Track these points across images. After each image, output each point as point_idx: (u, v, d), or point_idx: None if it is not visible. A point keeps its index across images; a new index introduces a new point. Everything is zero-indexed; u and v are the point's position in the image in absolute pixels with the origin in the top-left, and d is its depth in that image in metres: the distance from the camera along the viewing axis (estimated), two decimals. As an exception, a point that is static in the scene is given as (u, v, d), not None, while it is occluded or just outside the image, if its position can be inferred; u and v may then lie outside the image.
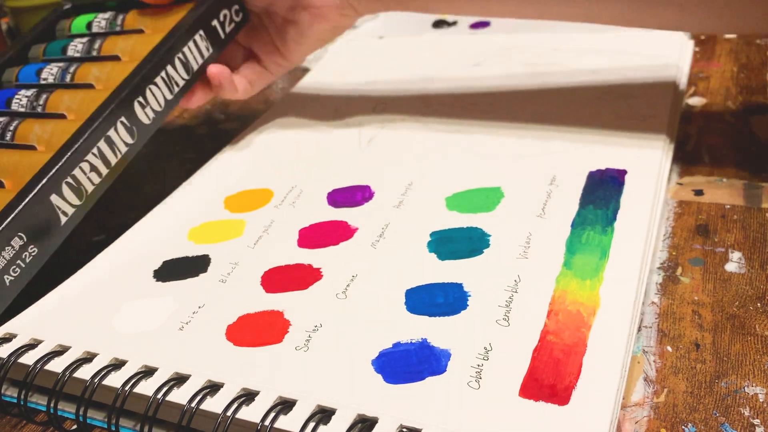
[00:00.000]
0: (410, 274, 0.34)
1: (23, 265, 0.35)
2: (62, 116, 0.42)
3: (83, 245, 0.42)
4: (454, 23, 0.70)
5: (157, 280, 0.36)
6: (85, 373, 0.30)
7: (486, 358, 0.28)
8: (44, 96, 0.44)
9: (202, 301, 0.34)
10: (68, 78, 0.46)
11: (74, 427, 0.30)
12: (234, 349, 0.31)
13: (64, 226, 0.37)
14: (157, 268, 0.38)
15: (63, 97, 0.44)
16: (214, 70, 0.46)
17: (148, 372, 0.30)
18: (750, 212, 0.38)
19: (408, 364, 0.29)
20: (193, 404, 0.28)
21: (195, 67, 0.46)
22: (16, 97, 0.45)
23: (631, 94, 0.48)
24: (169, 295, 0.35)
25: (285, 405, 0.27)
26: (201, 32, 0.46)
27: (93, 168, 0.39)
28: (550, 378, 0.27)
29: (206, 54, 0.46)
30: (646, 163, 0.40)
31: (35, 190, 0.36)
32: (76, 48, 0.48)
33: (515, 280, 0.32)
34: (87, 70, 0.45)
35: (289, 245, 0.38)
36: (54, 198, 0.37)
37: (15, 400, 0.31)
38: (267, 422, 0.27)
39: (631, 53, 0.53)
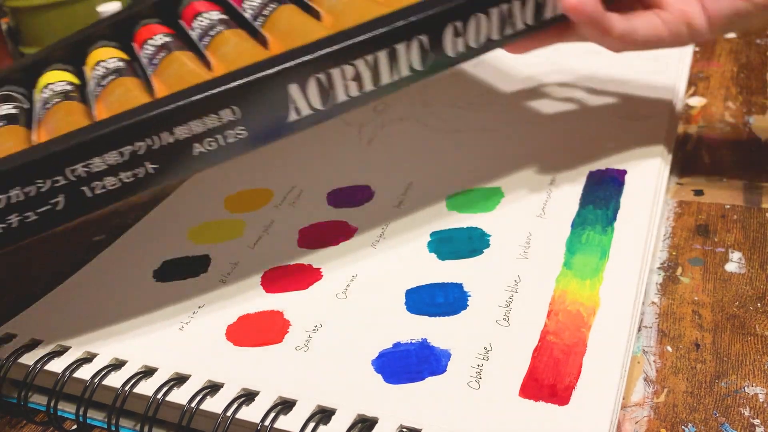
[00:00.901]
0: (410, 274, 0.34)
1: (222, 144, 0.29)
2: None
3: (83, 245, 0.42)
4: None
5: (157, 280, 0.36)
6: (85, 373, 0.30)
7: (486, 358, 0.28)
8: None
9: (202, 301, 0.34)
10: None
11: (74, 427, 0.30)
12: (234, 349, 0.31)
13: (289, 123, 0.30)
14: (157, 268, 0.37)
15: None
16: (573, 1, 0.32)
17: (148, 372, 0.30)
18: (750, 212, 0.38)
19: (408, 364, 0.29)
20: (193, 404, 0.28)
21: (548, 14, 0.33)
22: None
23: (630, 94, 0.48)
24: (169, 295, 0.35)
25: (285, 405, 0.27)
26: None
27: (356, 77, 0.30)
28: (550, 378, 0.27)
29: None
30: (646, 163, 0.40)
31: (278, 67, 0.29)
32: None
33: (515, 280, 0.32)
34: None
35: (289, 245, 0.38)
36: (293, 87, 0.30)
37: (15, 400, 0.31)
38: (267, 422, 0.27)
39: (631, 53, 0.53)
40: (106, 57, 0.39)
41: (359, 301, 0.33)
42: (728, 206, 0.39)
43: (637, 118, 0.45)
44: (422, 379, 0.28)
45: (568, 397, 0.26)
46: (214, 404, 0.28)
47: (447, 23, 0.31)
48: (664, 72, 0.50)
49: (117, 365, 0.30)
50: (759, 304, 0.32)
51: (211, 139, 0.29)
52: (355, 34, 0.30)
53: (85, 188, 0.28)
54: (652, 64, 0.51)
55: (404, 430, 0.26)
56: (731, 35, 0.59)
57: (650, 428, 0.27)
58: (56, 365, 0.31)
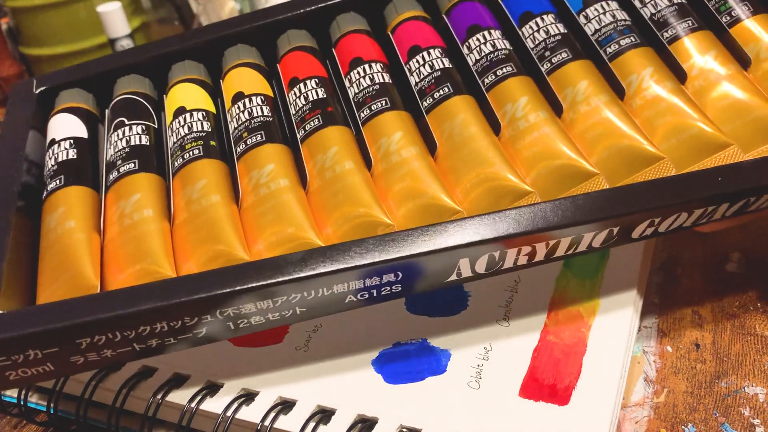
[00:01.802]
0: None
1: (374, 296, 0.27)
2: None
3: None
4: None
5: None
6: (84, 374, 0.30)
7: (486, 358, 0.28)
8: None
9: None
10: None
11: (74, 427, 0.30)
12: (234, 349, 0.31)
13: (446, 282, 0.27)
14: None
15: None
16: None
17: (148, 372, 0.30)
18: (750, 212, 0.38)
19: (408, 364, 0.29)
20: (193, 404, 0.28)
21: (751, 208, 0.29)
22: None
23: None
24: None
25: (285, 405, 0.27)
26: None
27: (532, 252, 0.27)
28: (550, 378, 0.27)
29: None
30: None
31: (466, 243, 0.25)
32: None
33: (515, 281, 0.32)
34: None
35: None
36: (464, 261, 0.26)
37: (15, 400, 0.31)
38: (267, 422, 0.27)
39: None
40: (249, 88, 0.32)
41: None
42: (728, 206, 0.39)
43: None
44: (422, 379, 0.28)
45: (568, 397, 0.26)
46: (214, 404, 0.28)
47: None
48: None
49: (117, 366, 0.30)
50: (759, 304, 0.32)
51: (365, 293, 0.26)
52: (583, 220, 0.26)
53: (230, 323, 0.26)
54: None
55: (404, 430, 0.26)
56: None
57: (650, 428, 0.27)
58: (56, 365, 0.31)
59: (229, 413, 0.27)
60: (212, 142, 0.31)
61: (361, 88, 0.31)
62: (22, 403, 0.30)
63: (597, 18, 0.31)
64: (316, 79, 0.32)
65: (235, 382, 0.28)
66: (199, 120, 0.32)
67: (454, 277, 0.27)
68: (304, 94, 0.32)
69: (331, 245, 0.26)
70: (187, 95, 0.33)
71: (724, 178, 0.26)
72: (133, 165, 0.30)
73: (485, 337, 0.29)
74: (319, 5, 0.35)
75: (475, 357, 0.29)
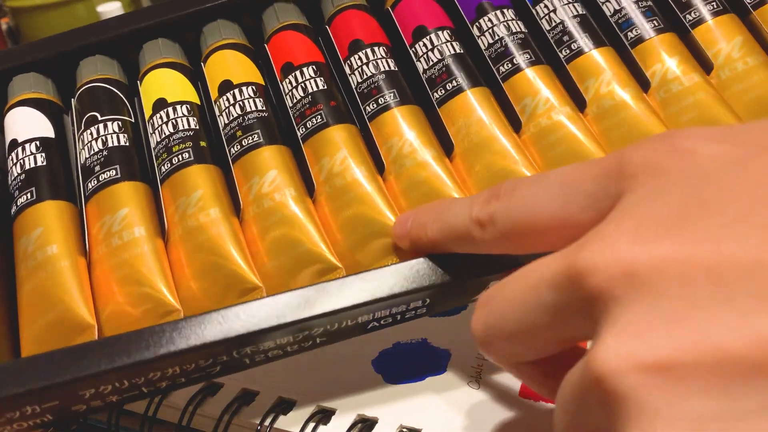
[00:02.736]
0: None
1: (396, 319, 0.25)
2: None
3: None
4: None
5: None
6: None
7: (486, 358, 0.28)
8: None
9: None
10: None
11: (74, 427, 0.30)
12: (234, 349, 0.31)
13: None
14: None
15: None
16: None
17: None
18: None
19: (408, 364, 0.29)
20: (192, 405, 0.28)
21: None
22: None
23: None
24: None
25: (285, 405, 0.27)
26: None
27: None
28: (550, 378, 0.27)
29: None
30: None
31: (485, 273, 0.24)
32: None
33: (515, 280, 0.32)
34: None
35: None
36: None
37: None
38: (267, 422, 0.27)
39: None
40: (237, 76, 0.29)
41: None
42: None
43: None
44: (422, 379, 0.28)
45: (568, 397, 0.26)
46: (214, 404, 0.28)
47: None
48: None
49: (117, 365, 0.30)
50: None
51: (388, 318, 0.25)
52: None
53: (246, 359, 0.25)
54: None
55: (404, 430, 0.26)
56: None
57: (650, 428, 0.27)
58: (56, 365, 0.31)
59: (229, 413, 0.27)
60: (202, 143, 0.28)
61: (366, 76, 0.29)
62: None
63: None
64: (314, 66, 0.29)
65: (235, 383, 0.28)
66: (184, 115, 0.29)
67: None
68: (302, 84, 0.29)
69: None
70: (165, 84, 0.30)
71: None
72: (114, 172, 0.27)
73: (485, 337, 0.29)
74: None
75: (475, 357, 0.29)
